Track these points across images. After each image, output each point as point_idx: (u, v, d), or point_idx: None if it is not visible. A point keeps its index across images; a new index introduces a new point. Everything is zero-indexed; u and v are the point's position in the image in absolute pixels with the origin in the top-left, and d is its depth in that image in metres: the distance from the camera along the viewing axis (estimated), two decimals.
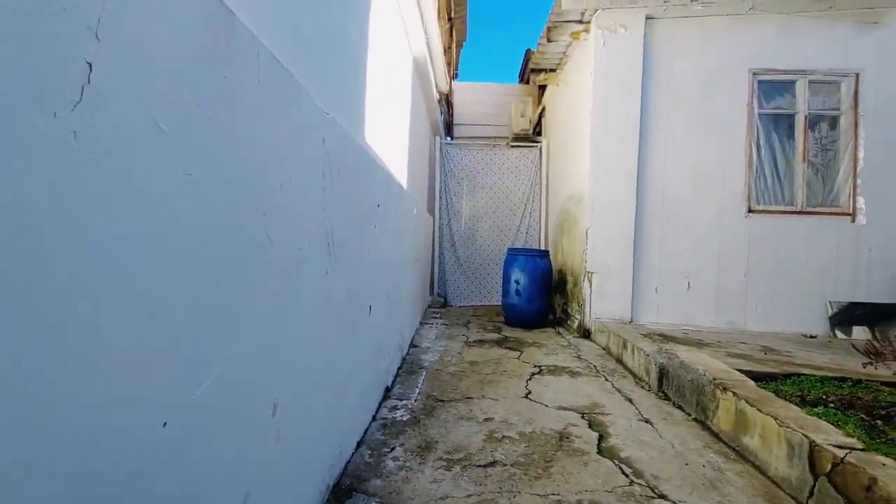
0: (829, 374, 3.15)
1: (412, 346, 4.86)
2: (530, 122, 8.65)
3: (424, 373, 3.86)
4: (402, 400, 3.18)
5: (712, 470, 2.31)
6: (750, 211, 5.33)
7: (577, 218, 5.99)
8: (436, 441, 2.53)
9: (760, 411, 2.34)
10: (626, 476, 2.21)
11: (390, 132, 4.04)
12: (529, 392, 3.44)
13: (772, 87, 5.38)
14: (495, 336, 5.58)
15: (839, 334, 5.16)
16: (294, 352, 1.50)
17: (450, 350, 4.74)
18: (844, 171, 5.27)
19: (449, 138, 9.86)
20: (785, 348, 4.29)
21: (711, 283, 5.39)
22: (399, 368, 3.91)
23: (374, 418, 2.81)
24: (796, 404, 2.47)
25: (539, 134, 8.76)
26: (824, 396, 2.65)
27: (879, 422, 2.31)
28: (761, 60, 5.33)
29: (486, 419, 2.89)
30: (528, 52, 6.89)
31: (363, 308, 2.51)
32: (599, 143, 5.44)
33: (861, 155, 5.18)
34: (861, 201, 5.17)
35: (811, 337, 5.08)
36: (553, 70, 7.18)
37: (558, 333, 5.90)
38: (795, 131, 5.32)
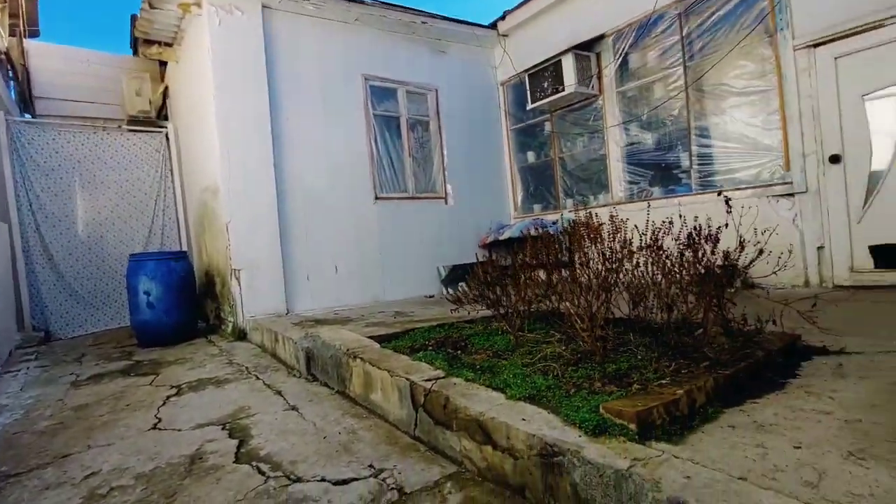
0: (434, 324, 3.95)
1: None
2: (151, 102, 7.34)
3: None
4: None
5: (347, 434, 2.47)
6: (377, 198, 6.16)
7: (215, 212, 5.47)
8: None
9: (379, 368, 2.66)
10: (263, 474, 2.10)
11: None
12: (160, 421, 2.89)
13: (381, 92, 6.31)
14: (122, 364, 4.51)
15: (449, 291, 6.65)
16: None
17: (44, 400, 3.50)
18: (437, 165, 6.76)
19: (29, 116, 7.29)
20: (410, 310, 5.18)
21: (355, 264, 5.96)
22: None
23: None
24: (406, 354, 2.95)
25: (166, 118, 7.55)
26: (427, 342, 3.28)
27: (459, 352, 3.00)
28: (371, 68, 6.16)
29: (89, 475, 2.22)
30: (133, 17, 5.73)
31: None
32: (228, 131, 5.08)
33: (445, 153, 6.76)
34: (448, 188, 6.77)
35: (430, 297, 6.34)
36: (170, 44, 6.26)
37: (210, 342, 5.30)
38: (402, 131, 6.45)
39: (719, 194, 3.14)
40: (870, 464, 1.46)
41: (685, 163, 5.30)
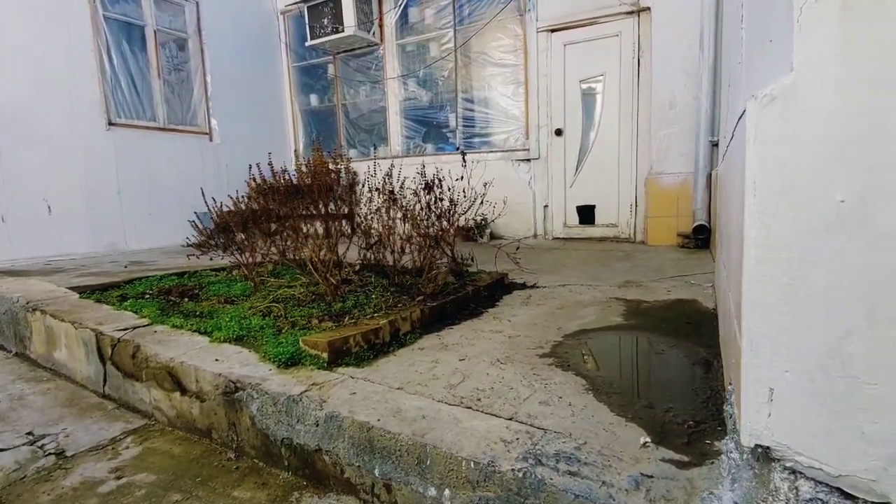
0: (171, 273, 3.47)
1: None
2: None
3: None
4: None
5: (10, 402, 2.00)
6: (111, 124, 5.02)
7: None
8: None
9: (63, 321, 2.20)
10: None
11: None
12: None
13: None
14: None
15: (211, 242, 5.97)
16: None
17: None
18: (198, 94, 5.85)
19: None
20: (154, 259, 4.47)
21: (81, 205, 4.82)
22: None
23: None
24: (114, 304, 2.51)
25: None
26: (149, 291, 2.85)
27: (186, 299, 2.70)
28: None
29: None
30: None
31: None
32: None
33: (209, 80, 5.87)
34: (214, 123, 5.96)
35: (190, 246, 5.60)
36: None
37: None
38: (148, 45, 5.32)
39: (463, 155, 3.44)
40: (506, 366, 1.81)
41: (453, 123, 5.73)
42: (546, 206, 5.39)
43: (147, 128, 5.32)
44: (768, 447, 0.80)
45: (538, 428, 1.30)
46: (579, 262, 4.13)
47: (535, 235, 5.48)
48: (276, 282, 2.97)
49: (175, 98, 5.62)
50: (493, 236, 5.41)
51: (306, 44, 6.08)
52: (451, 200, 3.16)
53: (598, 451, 1.21)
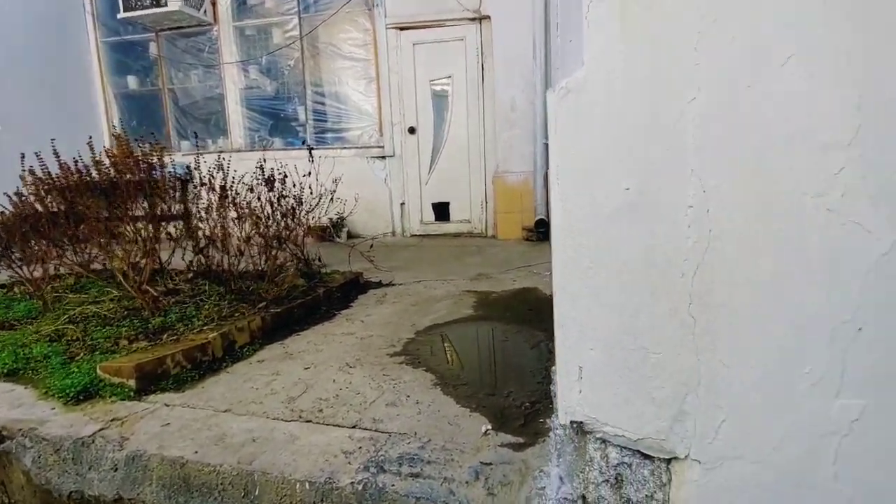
0: None
1: None
2: None
3: None
4: None
5: None
6: None
7: None
8: None
9: None
10: None
11: None
12: None
13: None
14: None
15: None
16: None
17: None
18: None
19: None
20: None
21: None
22: None
23: None
24: None
25: None
26: None
27: None
28: None
29: None
30: None
31: None
32: None
33: None
34: None
35: None
36: None
37: None
38: None
39: (310, 150, 3.24)
40: (354, 370, 1.72)
41: (302, 116, 5.40)
42: (403, 204, 5.40)
43: None
44: (581, 422, 0.86)
45: (383, 432, 1.25)
46: (435, 258, 4.22)
47: (394, 233, 5.47)
48: (77, 298, 2.44)
49: None
50: (350, 235, 5.25)
51: (119, 16, 5.15)
52: (297, 198, 2.95)
53: (442, 446, 1.20)
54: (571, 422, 0.86)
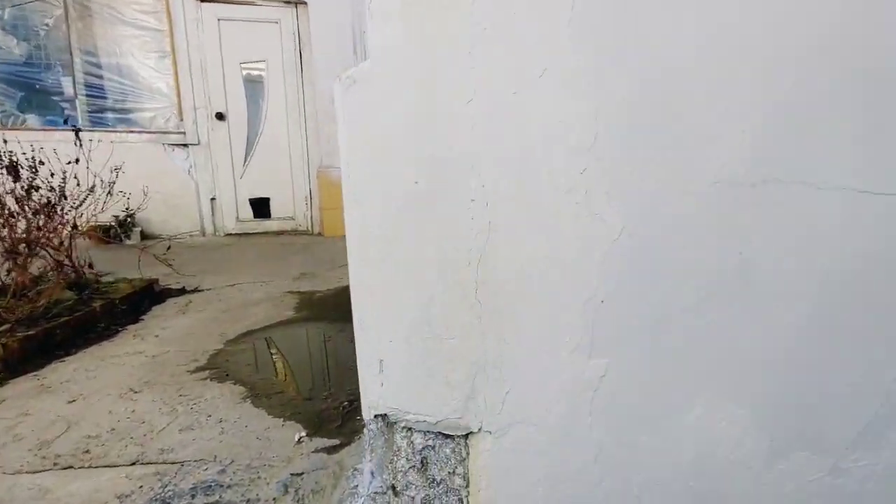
0: None
1: None
2: None
3: None
4: None
5: None
6: None
7: None
8: None
9: None
10: None
11: None
12: None
13: None
14: None
15: None
16: None
17: None
18: None
19: None
20: None
21: None
22: None
23: None
24: None
25: None
26: None
27: None
28: None
29: None
30: None
31: None
32: None
33: None
34: None
35: None
36: None
37: None
38: None
39: (77, 132, 2.63)
40: (140, 395, 1.46)
41: (69, 90, 4.37)
42: (213, 199, 4.82)
43: None
44: (385, 414, 0.86)
45: (172, 463, 1.07)
46: (254, 259, 3.87)
47: (204, 233, 4.84)
48: None
49: None
50: (145, 236, 4.47)
51: None
52: (60, 191, 2.38)
53: (248, 465, 1.09)
54: (376, 416, 0.86)
